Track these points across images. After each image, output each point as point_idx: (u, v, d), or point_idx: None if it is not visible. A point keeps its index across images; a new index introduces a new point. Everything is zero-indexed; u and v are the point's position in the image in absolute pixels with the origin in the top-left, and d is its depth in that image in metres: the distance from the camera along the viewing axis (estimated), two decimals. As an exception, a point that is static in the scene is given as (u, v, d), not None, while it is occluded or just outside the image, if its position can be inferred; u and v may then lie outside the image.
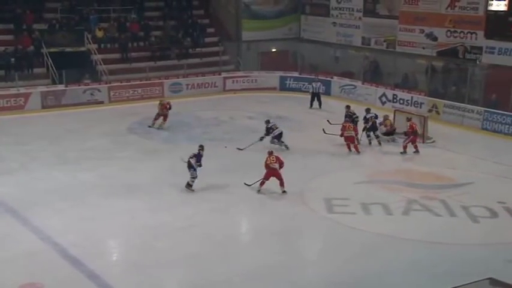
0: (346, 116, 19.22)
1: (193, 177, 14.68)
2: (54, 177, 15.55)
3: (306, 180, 15.45)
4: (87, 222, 12.87)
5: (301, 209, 13.85)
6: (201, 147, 15.11)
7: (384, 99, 23.56)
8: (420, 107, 22.14)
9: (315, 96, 23.50)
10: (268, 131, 18.24)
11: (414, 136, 18.00)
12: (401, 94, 23.07)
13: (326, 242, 12.63)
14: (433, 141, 19.14)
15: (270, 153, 15.06)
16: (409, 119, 18.39)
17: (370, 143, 18.72)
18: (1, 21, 24.60)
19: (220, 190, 14.85)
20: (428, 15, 23.56)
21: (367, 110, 19.12)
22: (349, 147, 17.96)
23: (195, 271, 11.08)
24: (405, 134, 18.17)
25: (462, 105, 21.20)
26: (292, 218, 13.39)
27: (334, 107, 22.63)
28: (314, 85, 23.77)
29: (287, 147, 17.93)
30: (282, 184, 14.67)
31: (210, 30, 28.92)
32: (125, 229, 12.75)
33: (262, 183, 14.74)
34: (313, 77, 24.81)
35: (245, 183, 14.98)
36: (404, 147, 17.98)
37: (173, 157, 17.35)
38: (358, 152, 17.83)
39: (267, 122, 18.56)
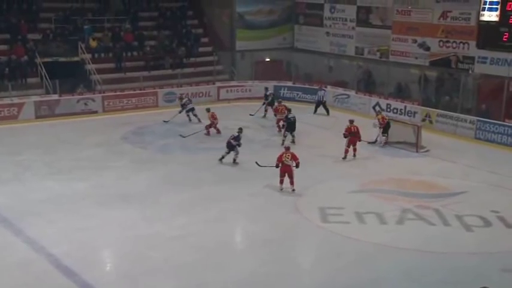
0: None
1: (237, 154, 17.44)
2: (48, 187, 15.50)
3: (301, 189, 15.44)
4: (80, 232, 12.82)
5: (295, 218, 13.86)
6: (240, 130, 17.83)
7: (377, 108, 23.64)
8: (414, 116, 22.24)
9: (320, 104, 24.12)
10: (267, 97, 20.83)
11: (353, 137, 18.26)
12: (395, 103, 23.17)
13: (320, 251, 12.61)
14: (427, 150, 19.20)
15: (287, 148, 15.51)
16: (351, 122, 18.54)
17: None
18: (-3, 31, 24.63)
19: (215, 199, 14.83)
20: (421, 26, 23.71)
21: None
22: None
23: (189, 280, 11.05)
24: (344, 136, 18.38)
25: (455, 114, 21.32)
26: (286, 227, 13.39)
27: (326, 117, 22.80)
28: (319, 93, 24.30)
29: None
30: (292, 183, 15.08)
31: (204, 39, 29.00)
32: (119, 239, 12.71)
33: (280, 181, 15.18)
34: (318, 87, 24.92)
35: (256, 162, 16.08)
36: (347, 151, 18.23)
37: (167, 167, 17.41)
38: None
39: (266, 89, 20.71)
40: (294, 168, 15.27)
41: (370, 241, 12.69)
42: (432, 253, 12.23)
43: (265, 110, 23.21)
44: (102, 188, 15.55)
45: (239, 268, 11.56)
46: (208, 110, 20.97)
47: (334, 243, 12.70)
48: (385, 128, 19.54)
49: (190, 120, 22.16)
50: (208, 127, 20.72)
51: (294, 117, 19.62)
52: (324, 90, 24.50)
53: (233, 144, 17.41)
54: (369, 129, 19.52)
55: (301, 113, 23.34)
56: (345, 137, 18.26)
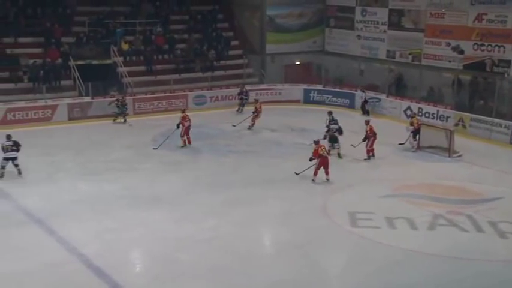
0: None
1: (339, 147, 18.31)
2: (80, 188, 15.70)
3: (330, 193, 15.37)
4: (111, 233, 12.94)
5: (324, 223, 13.75)
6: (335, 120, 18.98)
7: (408, 112, 23.36)
8: (446, 121, 21.91)
9: (364, 104, 24.65)
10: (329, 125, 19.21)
11: (374, 138, 18.42)
12: (427, 107, 22.86)
13: (349, 256, 12.47)
14: (460, 155, 18.89)
15: (317, 142, 16.15)
16: (367, 122, 18.75)
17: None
18: (31, 34, 25.05)
19: (243, 202, 14.82)
20: (455, 28, 23.38)
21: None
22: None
23: (217, 284, 11.04)
24: (365, 138, 18.42)
25: (489, 119, 20.92)
26: (315, 231, 13.29)
27: (355, 120, 22.66)
28: (361, 94, 24.91)
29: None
30: (327, 173, 16.02)
31: (235, 43, 29.07)
32: (148, 240, 12.78)
33: (315, 173, 15.95)
34: (359, 90, 25.34)
35: (295, 173, 16.15)
36: (368, 152, 18.35)
37: (197, 169, 17.47)
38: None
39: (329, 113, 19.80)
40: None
41: (400, 246, 12.51)
42: (464, 260, 12.01)
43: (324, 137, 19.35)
44: (132, 189, 15.67)
45: (268, 273, 11.49)
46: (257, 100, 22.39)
47: (364, 248, 12.55)
48: (417, 132, 19.29)
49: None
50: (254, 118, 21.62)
51: (336, 127, 19.01)
52: (363, 91, 24.90)
53: (336, 137, 18.35)
54: (400, 132, 19.33)
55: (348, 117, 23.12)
56: (366, 139, 18.43)
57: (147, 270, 11.93)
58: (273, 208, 14.53)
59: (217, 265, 11.62)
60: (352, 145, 18.53)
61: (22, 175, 16.09)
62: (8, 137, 16.15)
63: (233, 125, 21.93)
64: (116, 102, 22.67)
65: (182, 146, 19.39)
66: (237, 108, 24.67)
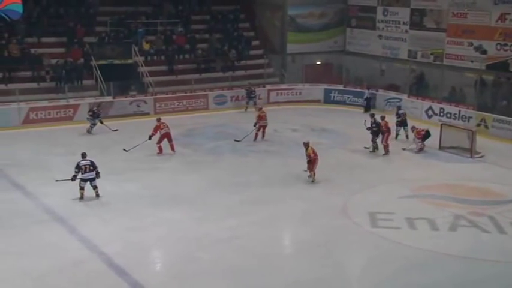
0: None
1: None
2: (101, 187, 15.77)
3: (350, 193, 15.33)
4: (132, 232, 13.06)
5: (344, 223, 13.72)
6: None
7: (430, 112, 23.20)
8: (468, 121, 21.69)
9: (368, 101, 24.99)
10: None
11: (388, 133, 18.77)
12: (449, 108, 22.66)
13: (370, 256, 12.42)
14: (482, 156, 18.71)
15: (307, 143, 16.03)
16: (383, 118, 19.13)
17: (396, 136, 20.17)
18: (54, 34, 25.35)
19: (263, 202, 14.85)
20: (477, 28, 23.13)
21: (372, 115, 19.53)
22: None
23: (237, 283, 11.08)
24: (382, 133, 18.74)
25: (512, 119, 20.71)
26: (335, 232, 13.27)
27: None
28: (367, 92, 25.20)
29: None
30: (314, 173, 16.03)
31: (255, 42, 29.10)
32: (169, 239, 12.88)
33: (313, 173, 15.87)
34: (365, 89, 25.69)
35: (304, 170, 16.17)
36: (385, 146, 18.62)
37: (217, 169, 17.54)
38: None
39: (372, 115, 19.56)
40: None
41: (421, 247, 12.44)
42: (486, 261, 11.90)
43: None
44: (153, 188, 15.79)
45: (287, 273, 11.51)
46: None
47: (384, 249, 12.50)
48: (425, 137, 19.10)
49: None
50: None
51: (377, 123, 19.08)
52: (371, 91, 25.19)
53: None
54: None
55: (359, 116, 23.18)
56: (382, 134, 18.78)
57: (167, 269, 12.01)
58: (292, 208, 14.53)
59: (237, 265, 11.66)
60: (366, 147, 19.03)
61: (100, 197, 14.86)
62: (84, 155, 14.93)
63: (236, 140, 20.18)
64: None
65: (158, 153, 18.62)
66: (244, 108, 24.78)
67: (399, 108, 21.55)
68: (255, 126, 20.09)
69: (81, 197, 14.64)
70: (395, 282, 11.15)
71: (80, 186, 14.65)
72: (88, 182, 14.70)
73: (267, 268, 11.61)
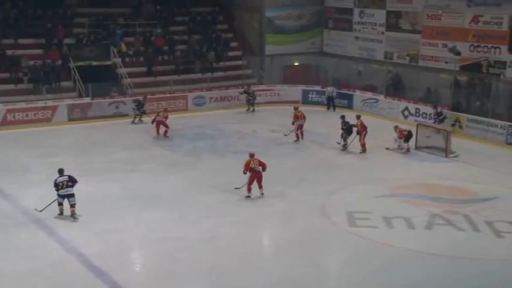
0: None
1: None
2: (79, 188, 15.63)
3: (328, 193, 15.50)
4: (111, 233, 13.06)
5: (323, 222, 13.88)
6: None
7: (406, 113, 23.53)
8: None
9: (330, 100, 25.59)
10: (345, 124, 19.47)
11: (365, 132, 19.05)
12: (424, 108, 23.01)
13: (348, 255, 12.60)
14: (456, 156, 19.04)
15: (252, 155, 15.33)
16: (358, 117, 19.44)
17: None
18: (33, 35, 25.17)
19: (243, 203, 14.96)
20: (452, 30, 23.51)
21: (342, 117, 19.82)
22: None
23: (217, 283, 11.16)
24: (357, 132, 19.07)
25: (486, 119, 21.09)
26: (314, 231, 13.42)
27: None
28: (328, 89, 25.69)
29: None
30: (260, 187, 15.12)
31: (234, 44, 29.22)
32: (148, 240, 12.91)
33: (249, 189, 15.05)
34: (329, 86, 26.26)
35: (236, 188, 15.33)
36: (363, 145, 18.96)
37: (196, 169, 17.60)
38: None
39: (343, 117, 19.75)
40: (263, 173, 15.11)
41: (398, 246, 12.64)
42: (461, 259, 12.14)
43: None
44: (133, 190, 15.79)
45: (267, 273, 11.62)
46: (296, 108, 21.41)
47: (362, 248, 12.68)
48: (407, 138, 19.35)
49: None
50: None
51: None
52: (332, 86, 25.95)
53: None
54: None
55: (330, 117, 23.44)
56: (357, 133, 19.11)
57: (147, 270, 12.03)
58: (272, 208, 14.66)
59: (217, 265, 11.73)
60: (338, 142, 19.46)
61: (77, 219, 13.81)
62: (61, 171, 14.14)
63: (285, 134, 20.94)
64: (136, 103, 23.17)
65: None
66: (246, 109, 25.21)
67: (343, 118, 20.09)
68: (293, 124, 20.61)
69: (61, 213, 14.00)
70: (374, 281, 11.29)
71: (58, 202, 14.00)
72: (66, 199, 13.96)
73: (246, 268, 11.71)
